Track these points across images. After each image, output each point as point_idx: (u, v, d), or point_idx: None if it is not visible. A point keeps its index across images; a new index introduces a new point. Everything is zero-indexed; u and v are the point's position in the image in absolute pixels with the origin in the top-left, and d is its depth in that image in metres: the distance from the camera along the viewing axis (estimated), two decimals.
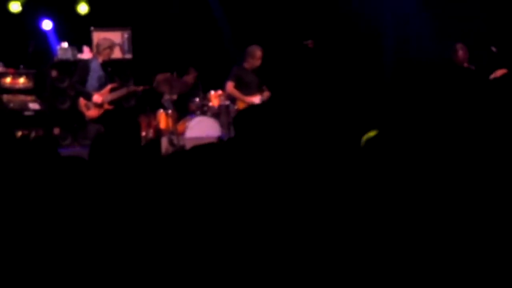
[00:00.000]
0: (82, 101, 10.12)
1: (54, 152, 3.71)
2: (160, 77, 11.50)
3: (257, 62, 11.00)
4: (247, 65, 11.06)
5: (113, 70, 10.28)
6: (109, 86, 10.11)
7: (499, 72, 10.53)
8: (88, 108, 10.07)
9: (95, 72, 10.11)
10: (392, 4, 13.54)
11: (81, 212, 2.91)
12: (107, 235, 2.74)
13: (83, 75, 10.14)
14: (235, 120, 3.54)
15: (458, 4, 12.31)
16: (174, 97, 11.94)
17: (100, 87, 10.07)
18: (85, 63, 10.48)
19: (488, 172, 1.47)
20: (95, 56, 10.35)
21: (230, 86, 11.08)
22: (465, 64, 10.69)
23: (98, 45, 10.35)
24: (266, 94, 11.10)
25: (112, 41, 10.69)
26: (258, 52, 11.02)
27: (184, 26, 13.93)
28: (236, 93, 11.06)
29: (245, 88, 11.03)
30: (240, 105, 10.97)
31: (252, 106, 3.88)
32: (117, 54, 11.01)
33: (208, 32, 14.59)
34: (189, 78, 12.84)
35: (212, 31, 14.71)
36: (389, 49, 13.26)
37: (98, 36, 12.43)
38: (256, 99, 10.96)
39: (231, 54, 14.04)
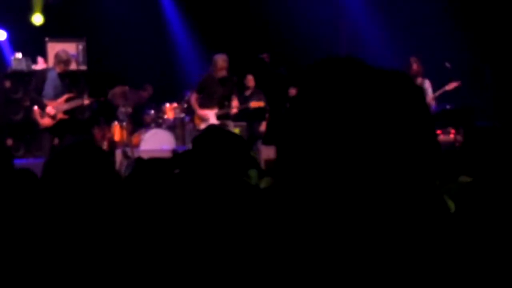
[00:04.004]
0: (36, 109, 10.07)
1: (8, 164, 3.68)
2: (116, 90, 11.48)
3: (220, 73, 10.28)
4: (213, 74, 10.40)
5: (67, 81, 10.22)
6: (65, 96, 10.06)
7: (452, 85, 10.67)
8: (42, 117, 10.02)
9: (52, 81, 10.08)
10: (345, 14, 13.73)
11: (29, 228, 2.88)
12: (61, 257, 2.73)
13: (39, 84, 10.13)
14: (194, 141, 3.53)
15: (413, 16, 12.53)
16: (129, 109, 11.94)
17: (56, 97, 10.04)
18: (42, 72, 10.48)
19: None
20: (53, 66, 10.31)
21: (192, 97, 10.71)
22: (419, 78, 10.77)
23: (56, 55, 10.30)
24: (229, 108, 10.55)
25: (70, 56, 10.63)
26: (220, 62, 10.34)
27: (138, 38, 13.91)
28: (194, 105, 10.61)
29: (207, 98, 10.49)
30: (196, 119, 10.78)
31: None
32: (72, 65, 10.94)
33: (163, 44, 14.61)
34: (145, 94, 12.85)
35: (167, 42, 14.74)
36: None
37: (54, 47, 12.37)
38: (211, 114, 10.46)
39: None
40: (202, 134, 3.55)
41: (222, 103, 10.49)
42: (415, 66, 10.72)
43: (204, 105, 10.54)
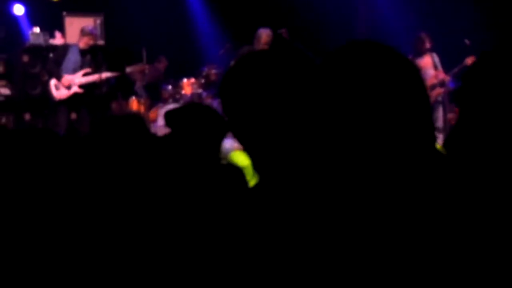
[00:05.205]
0: (52, 82, 10.12)
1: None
2: (135, 68, 11.48)
3: (262, 47, 10.09)
4: (256, 47, 10.25)
5: (88, 57, 10.26)
6: (83, 71, 10.11)
7: (469, 61, 10.60)
8: (57, 89, 10.06)
9: (73, 55, 10.18)
10: None
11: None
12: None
13: (59, 58, 10.22)
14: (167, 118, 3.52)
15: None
16: (145, 84, 11.98)
17: (74, 71, 10.11)
18: (64, 47, 10.60)
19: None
20: (78, 41, 10.37)
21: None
22: (429, 53, 10.77)
23: (82, 30, 10.37)
24: None
25: (96, 30, 10.74)
26: (264, 36, 10.34)
27: (156, 13, 13.88)
28: None
29: None
30: None
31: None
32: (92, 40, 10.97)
33: (181, 19, 14.56)
34: (160, 66, 12.82)
35: (185, 17, 14.70)
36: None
37: (72, 22, 12.40)
38: None
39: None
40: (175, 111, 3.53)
41: None
42: (427, 42, 10.75)
43: None
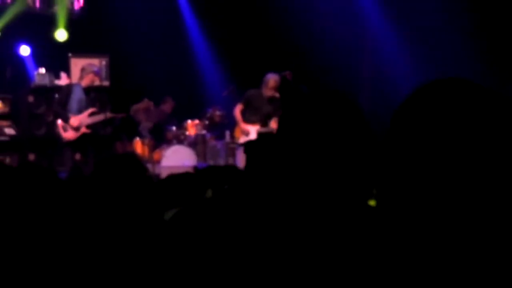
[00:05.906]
0: (60, 123, 10.11)
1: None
2: (137, 106, 11.52)
3: (268, 92, 10.42)
4: (262, 92, 10.52)
5: (92, 96, 10.27)
6: (89, 110, 10.11)
7: None
8: (65, 130, 10.05)
9: (76, 95, 10.13)
10: (370, 42, 13.71)
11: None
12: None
13: (64, 98, 10.18)
14: (246, 149, 3.52)
15: (437, 44, 12.46)
16: (150, 125, 11.99)
17: (79, 111, 10.09)
18: (68, 86, 10.54)
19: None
20: (79, 81, 10.37)
21: (237, 108, 10.68)
22: None
23: (83, 69, 10.37)
24: (273, 127, 10.35)
25: (98, 67, 10.75)
26: (271, 82, 10.46)
27: (161, 54, 13.96)
28: (238, 117, 10.65)
29: (252, 114, 10.57)
30: (236, 131, 10.84)
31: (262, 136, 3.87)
32: (96, 81, 11.01)
33: (186, 61, 14.65)
34: (166, 107, 12.86)
35: (190, 59, 14.78)
36: (365, 87, 13.40)
37: (77, 62, 12.44)
38: (252, 130, 10.48)
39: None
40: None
41: (265, 121, 10.54)
42: None
43: (247, 119, 10.60)
